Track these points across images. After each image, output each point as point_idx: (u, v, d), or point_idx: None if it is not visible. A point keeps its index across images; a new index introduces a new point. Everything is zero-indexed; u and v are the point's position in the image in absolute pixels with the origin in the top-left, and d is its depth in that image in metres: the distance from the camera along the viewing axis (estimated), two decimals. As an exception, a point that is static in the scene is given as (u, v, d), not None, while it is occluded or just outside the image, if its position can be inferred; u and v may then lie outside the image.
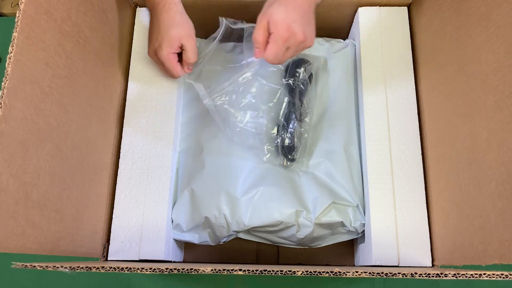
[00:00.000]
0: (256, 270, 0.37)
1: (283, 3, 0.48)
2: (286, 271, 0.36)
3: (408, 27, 0.61)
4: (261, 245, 0.66)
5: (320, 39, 0.65)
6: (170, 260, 0.56)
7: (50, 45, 0.44)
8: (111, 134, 0.58)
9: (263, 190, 0.55)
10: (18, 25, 0.39)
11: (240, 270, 0.37)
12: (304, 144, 0.58)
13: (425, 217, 0.53)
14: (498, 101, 0.41)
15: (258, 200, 0.55)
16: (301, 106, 0.58)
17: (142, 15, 0.64)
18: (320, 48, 0.64)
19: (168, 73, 0.58)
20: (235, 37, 0.61)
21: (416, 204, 0.54)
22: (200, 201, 0.56)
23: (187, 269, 0.37)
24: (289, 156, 0.57)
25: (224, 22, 0.57)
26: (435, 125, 0.54)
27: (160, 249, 0.54)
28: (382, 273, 0.37)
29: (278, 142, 0.57)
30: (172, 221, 0.57)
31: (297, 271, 0.36)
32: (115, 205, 0.56)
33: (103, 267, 0.38)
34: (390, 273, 0.36)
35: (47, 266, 0.37)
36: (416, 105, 0.58)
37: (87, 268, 0.38)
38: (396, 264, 0.52)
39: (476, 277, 0.34)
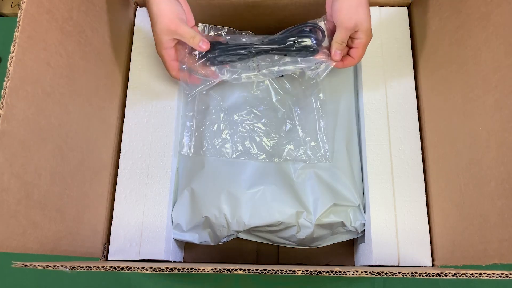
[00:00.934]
0: (256, 270, 0.37)
1: (365, 5, 0.51)
2: (286, 271, 0.36)
3: (408, 27, 0.61)
4: (261, 245, 0.66)
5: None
6: (170, 260, 0.56)
7: (52, 45, 0.44)
8: (111, 134, 0.58)
9: (264, 190, 0.55)
10: (19, 25, 0.39)
11: (241, 269, 0.37)
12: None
13: (425, 216, 0.54)
14: (497, 100, 0.42)
15: (259, 200, 0.55)
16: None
17: (143, 15, 0.64)
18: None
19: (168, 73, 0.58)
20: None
21: (416, 204, 0.54)
22: (200, 201, 0.56)
23: (187, 269, 0.37)
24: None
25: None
26: (435, 125, 0.54)
27: (160, 249, 0.54)
28: (382, 272, 0.37)
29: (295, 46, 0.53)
30: (172, 221, 0.57)
31: (297, 271, 0.36)
32: (115, 205, 0.56)
33: (103, 266, 0.38)
34: (390, 273, 0.36)
35: (47, 265, 0.37)
36: (416, 105, 0.58)
37: (87, 268, 0.38)
38: (396, 264, 0.52)
39: (476, 277, 0.34)
